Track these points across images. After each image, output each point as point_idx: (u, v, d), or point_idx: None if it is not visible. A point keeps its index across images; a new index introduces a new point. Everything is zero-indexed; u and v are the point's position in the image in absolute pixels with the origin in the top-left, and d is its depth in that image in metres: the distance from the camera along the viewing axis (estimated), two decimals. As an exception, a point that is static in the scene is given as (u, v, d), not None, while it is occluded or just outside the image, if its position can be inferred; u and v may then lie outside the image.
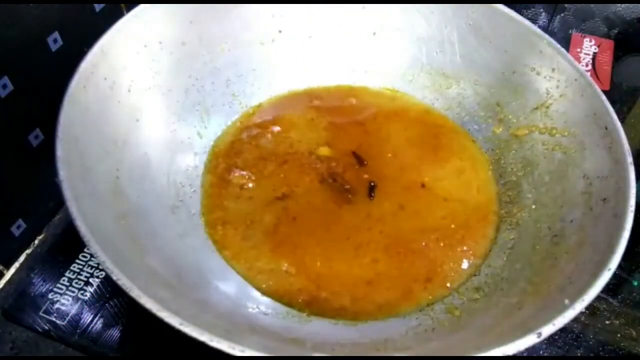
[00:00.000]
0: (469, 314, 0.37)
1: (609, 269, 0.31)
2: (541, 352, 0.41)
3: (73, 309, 0.40)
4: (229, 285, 0.38)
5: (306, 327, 0.36)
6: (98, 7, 0.45)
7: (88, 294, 0.41)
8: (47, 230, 0.46)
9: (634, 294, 0.43)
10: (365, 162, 0.44)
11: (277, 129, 0.47)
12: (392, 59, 0.51)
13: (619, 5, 0.65)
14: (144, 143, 0.40)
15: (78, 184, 0.31)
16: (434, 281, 0.39)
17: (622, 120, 0.38)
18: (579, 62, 0.57)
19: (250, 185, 0.43)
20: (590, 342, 0.40)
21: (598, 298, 0.36)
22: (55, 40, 0.41)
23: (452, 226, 0.42)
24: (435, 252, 0.40)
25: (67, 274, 0.42)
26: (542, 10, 0.65)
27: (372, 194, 0.42)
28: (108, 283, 0.41)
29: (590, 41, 0.62)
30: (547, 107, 0.43)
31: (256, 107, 0.49)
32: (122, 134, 0.38)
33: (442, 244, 0.41)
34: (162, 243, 0.37)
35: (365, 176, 0.44)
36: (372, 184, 0.43)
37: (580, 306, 0.29)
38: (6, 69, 0.37)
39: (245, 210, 0.42)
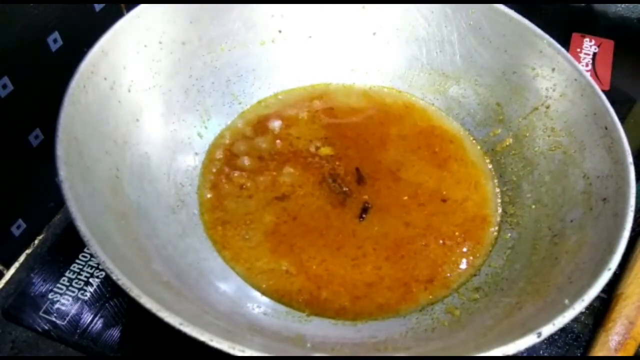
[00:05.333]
0: (469, 314, 0.37)
1: (609, 269, 0.31)
2: (541, 352, 0.41)
3: (73, 309, 0.40)
4: (229, 285, 0.38)
5: (306, 327, 0.36)
6: (98, 7, 0.45)
7: (88, 294, 0.41)
8: (47, 230, 0.46)
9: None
10: (366, 182, 0.44)
11: (277, 129, 0.47)
12: (392, 59, 0.51)
13: (619, 5, 0.65)
14: (144, 143, 0.40)
15: (78, 184, 0.31)
16: (434, 281, 0.39)
17: (622, 120, 0.38)
18: (579, 62, 0.57)
19: (250, 185, 0.43)
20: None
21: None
22: (55, 40, 0.41)
23: (452, 226, 0.42)
24: (436, 253, 0.40)
25: (67, 274, 0.42)
26: (542, 10, 0.65)
27: (363, 216, 0.41)
28: (108, 283, 0.41)
29: (590, 41, 0.62)
30: (547, 107, 0.43)
31: (256, 107, 0.49)
32: (122, 134, 0.38)
33: (442, 245, 0.41)
34: (162, 243, 0.37)
35: (365, 197, 0.43)
36: (367, 205, 0.42)
37: (580, 306, 0.29)
38: (6, 69, 0.37)
39: (245, 210, 0.42)
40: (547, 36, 0.43)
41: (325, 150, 0.46)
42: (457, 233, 0.42)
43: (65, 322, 0.39)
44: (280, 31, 0.48)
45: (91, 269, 0.42)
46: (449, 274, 0.40)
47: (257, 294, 0.38)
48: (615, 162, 0.37)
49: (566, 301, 0.29)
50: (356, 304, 0.38)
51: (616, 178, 0.36)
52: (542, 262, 0.37)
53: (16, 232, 0.43)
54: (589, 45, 0.61)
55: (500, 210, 0.44)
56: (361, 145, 0.47)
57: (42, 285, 0.41)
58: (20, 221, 0.43)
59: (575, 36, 0.62)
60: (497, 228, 0.43)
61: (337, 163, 0.45)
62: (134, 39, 0.40)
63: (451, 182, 0.45)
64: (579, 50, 0.61)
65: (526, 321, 0.31)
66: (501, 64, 0.46)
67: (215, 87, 0.46)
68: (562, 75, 0.42)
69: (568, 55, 0.42)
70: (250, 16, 0.46)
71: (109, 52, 0.37)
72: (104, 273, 0.42)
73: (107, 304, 0.40)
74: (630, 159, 0.36)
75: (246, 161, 0.45)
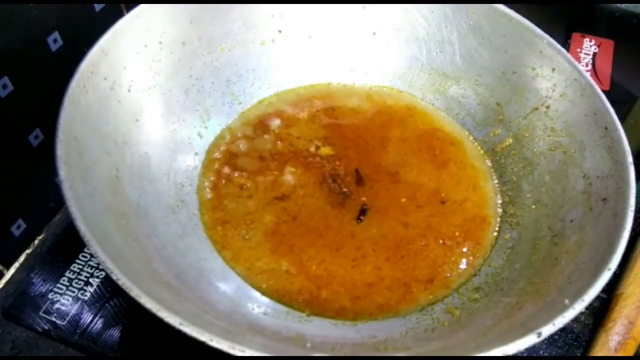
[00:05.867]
0: (469, 314, 0.37)
1: (609, 269, 0.31)
2: (541, 352, 0.41)
3: (73, 309, 0.40)
4: (229, 285, 0.38)
5: (306, 327, 0.36)
6: (98, 7, 0.45)
7: (88, 294, 0.41)
8: (47, 230, 0.46)
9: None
10: (365, 183, 0.43)
11: (277, 129, 0.47)
12: (392, 59, 0.51)
13: (619, 5, 0.65)
14: (144, 143, 0.40)
15: (78, 184, 0.31)
16: (434, 281, 0.39)
17: (622, 120, 0.38)
18: (579, 62, 0.57)
19: (250, 185, 0.43)
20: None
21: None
22: (55, 40, 0.41)
23: (452, 227, 0.42)
24: (436, 253, 0.40)
25: (67, 274, 0.42)
26: (542, 10, 0.65)
27: (361, 217, 0.41)
28: (108, 283, 0.41)
29: (590, 41, 0.62)
30: (547, 107, 0.43)
31: (256, 107, 0.49)
32: (122, 134, 0.38)
33: (442, 245, 0.41)
34: (162, 243, 0.37)
35: (363, 199, 0.43)
36: (365, 207, 0.42)
37: (580, 306, 0.29)
38: (6, 69, 0.37)
39: (245, 210, 0.42)
40: (547, 36, 0.43)
41: (326, 150, 0.46)
42: (457, 233, 0.42)
43: (65, 322, 0.39)
44: (280, 31, 0.48)
45: (91, 269, 0.42)
46: (449, 274, 0.40)
47: (257, 294, 0.38)
48: (615, 162, 0.37)
49: (566, 301, 0.29)
50: (356, 304, 0.38)
51: (616, 178, 0.36)
52: (542, 262, 0.37)
53: (16, 232, 0.43)
54: (589, 45, 0.61)
55: (500, 211, 0.44)
56: (361, 146, 0.47)
57: (42, 285, 0.41)
58: (20, 221, 0.43)
59: (575, 36, 0.62)
60: (497, 228, 0.43)
61: (337, 163, 0.45)
62: (134, 39, 0.40)
63: (451, 183, 0.45)
64: (579, 50, 0.61)
65: (526, 321, 0.31)
66: (501, 64, 0.46)
67: (215, 87, 0.46)
68: (562, 75, 0.42)
69: (568, 55, 0.42)
70: (250, 16, 0.46)
71: (109, 52, 0.37)
72: (104, 273, 0.42)
73: (107, 304, 0.40)
74: (630, 159, 0.36)
75: (246, 161, 0.45)
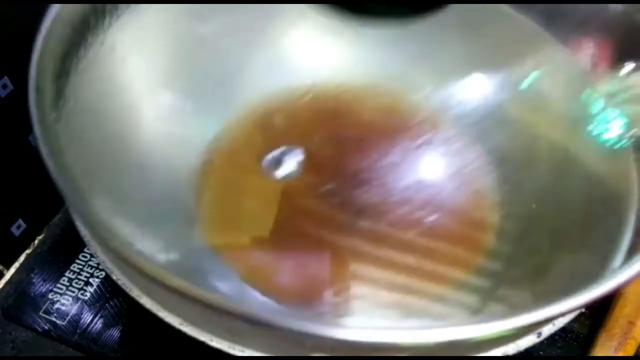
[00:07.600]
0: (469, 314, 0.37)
1: (609, 269, 0.31)
2: (541, 353, 0.41)
3: (73, 309, 0.40)
4: (229, 285, 0.38)
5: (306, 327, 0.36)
6: (98, 7, 0.45)
7: (88, 294, 0.41)
8: (47, 230, 0.46)
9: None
10: (363, 185, 0.43)
11: (277, 128, 0.47)
12: (392, 59, 0.50)
13: (618, 5, 0.65)
14: (144, 143, 0.40)
15: (77, 183, 0.31)
16: (432, 283, 0.39)
17: (622, 121, 0.39)
18: (579, 62, 0.57)
19: (250, 184, 0.43)
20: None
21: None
22: (55, 40, 0.41)
23: (452, 227, 0.42)
24: (433, 256, 0.40)
25: (67, 274, 0.42)
26: (542, 10, 0.65)
27: (356, 221, 0.41)
28: (108, 283, 0.41)
29: (591, 41, 0.62)
30: (547, 107, 0.43)
31: (256, 106, 0.48)
32: (122, 134, 0.38)
33: (441, 247, 0.41)
34: (162, 243, 0.37)
35: (359, 203, 0.42)
36: (360, 211, 0.41)
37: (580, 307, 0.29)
38: (6, 69, 0.37)
39: (245, 209, 0.42)
40: (547, 36, 0.43)
41: (326, 150, 0.46)
42: (455, 235, 0.42)
43: (65, 322, 0.39)
44: (280, 31, 0.48)
45: (91, 269, 0.42)
46: (447, 275, 0.40)
47: (257, 294, 0.38)
48: (615, 162, 0.37)
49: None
50: (356, 304, 0.38)
51: (616, 178, 0.36)
52: (542, 263, 0.37)
53: (16, 232, 0.43)
54: (589, 46, 0.61)
55: (500, 211, 0.44)
56: (361, 147, 0.47)
57: (42, 285, 0.41)
58: (20, 221, 0.43)
59: (575, 36, 0.62)
60: (497, 228, 0.42)
61: (337, 164, 0.45)
62: (134, 39, 0.40)
63: (450, 184, 0.45)
64: (579, 50, 0.61)
65: (526, 321, 0.31)
66: (501, 64, 0.46)
67: (215, 87, 0.46)
68: (562, 75, 0.42)
69: (568, 55, 0.42)
70: (249, 16, 0.46)
71: (108, 52, 0.37)
72: (104, 273, 0.42)
73: (107, 304, 0.40)
74: (630, 158, 0.36)
75: (246, 160, 0.45)
